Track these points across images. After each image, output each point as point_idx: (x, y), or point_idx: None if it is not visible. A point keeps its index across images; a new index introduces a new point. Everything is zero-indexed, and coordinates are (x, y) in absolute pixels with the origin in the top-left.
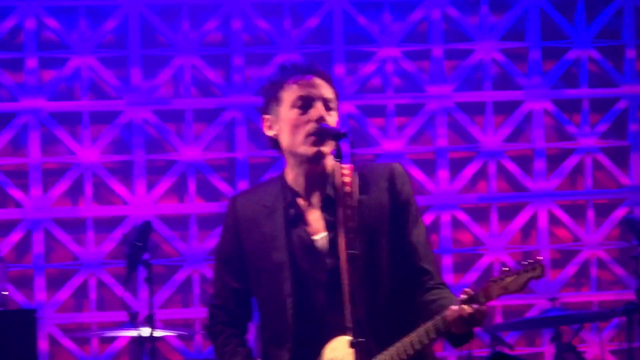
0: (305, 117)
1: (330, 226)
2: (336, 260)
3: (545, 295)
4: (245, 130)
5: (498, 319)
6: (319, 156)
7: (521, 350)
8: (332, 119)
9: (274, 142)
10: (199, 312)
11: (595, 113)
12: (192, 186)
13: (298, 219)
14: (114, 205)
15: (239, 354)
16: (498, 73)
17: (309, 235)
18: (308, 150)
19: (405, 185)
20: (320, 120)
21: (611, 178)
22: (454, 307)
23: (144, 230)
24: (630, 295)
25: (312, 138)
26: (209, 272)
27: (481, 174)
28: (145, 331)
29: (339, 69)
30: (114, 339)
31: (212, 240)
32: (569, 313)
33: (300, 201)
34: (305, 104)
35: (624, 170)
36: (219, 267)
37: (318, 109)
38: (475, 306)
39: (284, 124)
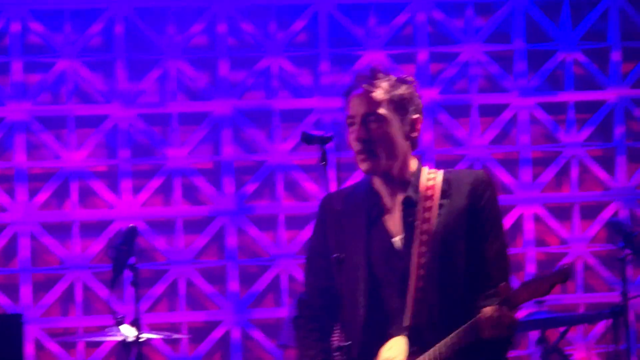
0: (352, 136)
1: (408, 228)
2: (409, 262)
3: None
4: (230, 133)
5: None
6: (374, 171)
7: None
8: (378, 133)
9: None
10: (185, 316)
11: (581, 115)
12: (177, 190)
13: (379, 220)
14: (100, 209)
15: (315, 347)
16: (484, 76)
17: (388, 236)
18: (362, 166)
19: (487, 192)
20: (358, 140)
21: (597, 180)
22: (485, 310)
23: (130, 234)
24: (616, 298)
25: (359, 156)
26: (195, 276)
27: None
28: (131, 335)
29: (325, 73)
30: (100, 343)
31: (198, 244)
32: (556, 315)
33: (383, 202)
34: (351, 122)
35: (610, 172)
36: (310, 262)
37: (355, 130)
38: (504, 309)
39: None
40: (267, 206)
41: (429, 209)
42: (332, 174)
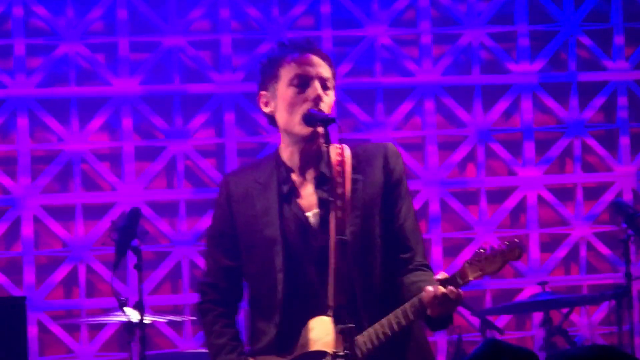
0: (302, 96)
1: (323, 203)
2: (327, 237)
3: (535, 279)
4: (233, 116)
5: (488, 303)
6: (315, 136)
7: (511, 334)
8: (328, 99)
9: (270, 119)
10: (188, 298)
11: (583, 96)
12: (180, 172)
13: (291, 195)
14: (103, 191)
15: (225, 334)
16: (486, 57)
17: (302, 211)
18: (303, 130)
19: (398, 165)
20: (317, 99)
21: (600, 161)
22: (430, 288)
23: (133, 216)
24: (619, 279)
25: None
26: (198, 258)
27: (470, 158)
28: (134, 317)
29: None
30: (103, 325)
31: (201, 226)
32: (559, 297)
33: (295, 178)
34: (302, 82)
35: (613, 153)
36: (211, 244)
37: (315, 88)
38: (450, 288)
39: (281, 102)
40: None
41: (342, 184)
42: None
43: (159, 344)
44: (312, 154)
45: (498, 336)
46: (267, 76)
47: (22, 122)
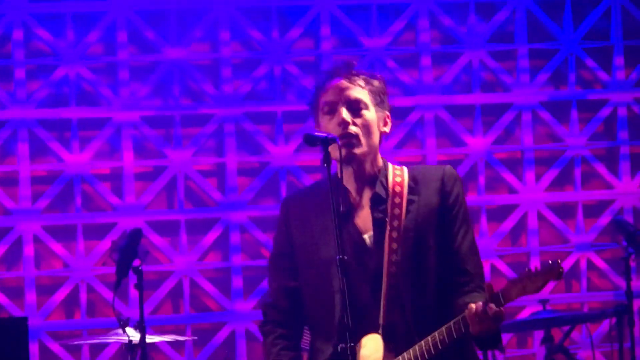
0: (332, 122)
1: (378, 225)
2: (381, 259)
3: (536, 297)
4: (234, 135)
5: None
6: (351, 158)
7: (512, 351)
8: (361, 119)
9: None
10: (189, 318)
11: (584, 114)
12: (181, 191)
13: (348, 216)
14: (104, 211)
15: (283, 356)
16: (486, 75)
17: (359, 232)
18: (335, 154)
19: (456, 188)
20: (342, 124)
21: (601, 179)
22: (472, 305)
23: (134, 236)
24: (620, 297)
25: (341, 141)
26: (199, 278)
27: (470, 177)
28: (135, 337)
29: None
30: (104, 345)
31: (202, 246)
32: (560, 315)
33: (351, 199)
34: (330, 109)
35: (614, 171)
36: (272, 266)
37: (339, 113)
38: (491, 305)
39: (322, 130)
40: (270, 207)
41: (398, 205)
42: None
43: None
44: (366, 175)
45: (499, 355)
46: (312, 106)
47: (23, 142)
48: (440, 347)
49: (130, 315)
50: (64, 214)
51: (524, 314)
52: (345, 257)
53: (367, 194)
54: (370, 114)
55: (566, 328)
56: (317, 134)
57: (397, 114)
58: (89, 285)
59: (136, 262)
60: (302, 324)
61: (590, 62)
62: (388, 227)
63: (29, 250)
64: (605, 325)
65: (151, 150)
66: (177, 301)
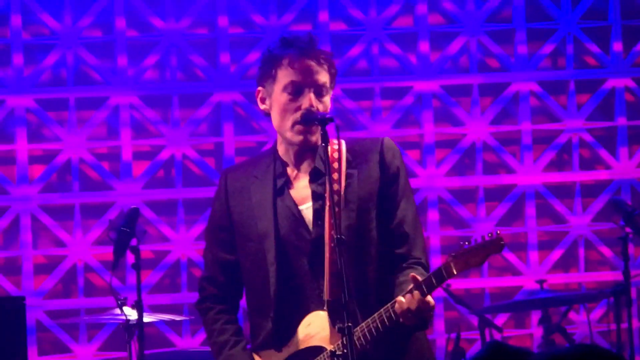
0: (294, 104)
1: (317, 197)
2: (320, 230)
3: (533, 277)
4: (232, 114)
5: (486, 302)
6: (306, 144)
7: (510, 332)
8: (322, 105)
9: (266, 115)
10: (187, 297)
11: (582, 94)
12: (179, 171)
13: (285, 189)
14: (101, 191)
15: (227, 331)
16: (484, 56)
17: (295, 204)
18: (294, 137)
19: (395, 159)
20: (309, 109)
21: (598, 159)
22: (402, 299)
23: (132, 215)
24: (618, 276)
25: (299, 127)
26: (197, 257)
27: (468, 156)
28: (133, 316)
29: None
30: (102, 324)
31: (200, 225)
32: (557, 295)
33: (290, 172)
34: (296, 90)
35: (611, 151)
36: (209, 238)
37: (308, 98)
38: (421, 299)
39: (275, 104)
40: None
41: (337, 180)
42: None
43: (157, 343)
44: (306, 149)
45: (497, 335)
46: (264, 73)
47: (20, 122)
48: (375, 334)
49: (128, 295)
50: (61, 194)
51: (522, 294)
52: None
53: (305, 167)
54: (328, 98)
55: (564, 308)
56: (317, 112)
57: (395, 95)
58: (86, 264)
59: (133, 242)
60: (238, 298)
61: (588, 42)
62: (328, 202)
63: (26, 229)
64: (602, 305)
65: (149, 130)
66: (175, 280)
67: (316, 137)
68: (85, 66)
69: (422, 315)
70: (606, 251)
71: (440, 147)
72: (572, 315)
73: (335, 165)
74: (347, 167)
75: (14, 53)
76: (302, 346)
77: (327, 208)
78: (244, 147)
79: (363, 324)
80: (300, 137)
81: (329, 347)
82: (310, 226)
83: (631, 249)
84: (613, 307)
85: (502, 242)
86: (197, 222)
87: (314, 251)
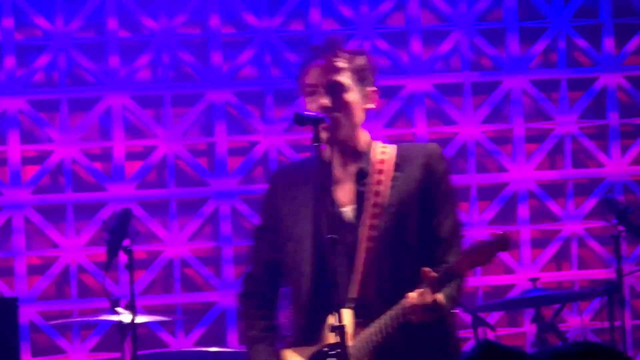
0: (313, 105)
1: (360, 199)
2: (359, 233)
3: (526, 276)
4: (224, 114)
5: (479, 300)
6: (333, 140)
7: (503, 330)
8: (340, 102)
9: None
10: (180, 298)
11: (574, 92)
12: (171, 171)
13: (329, 190)
14: (94, 191)
15: (257, 326)
16: (476, 54)
17: (337, 206)
18: (322, 135)
19: (440, 166)
20: (321, 108)
21: (591, 157)
22: (410, 295)
23: (124, 216)
24: (611, 274)
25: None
26: (190, 257)
27: (460, 155)
28: (126, 317)
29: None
30: (95, 325)
31: (192, 225)
32: (550, 293)
33: (336, 173)
34: (312, 91)
35: (603, 149)
36: (255, 237)
37: (317, 98)
38: (427, 294)
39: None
40: (260, 187)
41: (381, 182)
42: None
43: (150, 344)
44: (351, 152)
45: (490, 333)
46: (298, 85)
47: (13, 123)
48: (386, 331)
49: (121, 295)
50: (54, 194)
51: (515, 293)
52: (333, 235)
53: (351, 169)
54: (351, 95)
55: (557, 306)
56: (306, 113)
57: (387, 93)
58: (79, 265)
59: (126, 242)
60: (277, 297)
61: (580, 40)
62: (369, 202)
63: (19, 230)
64: (595, 303)
65: (141, 130)
66: (168, 281)
67: (344, 133)
68: (78, 67)
69: (429, 313)
70: (599, 249)
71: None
72: (565, 313)
73: (382, 167)
74: (394, 170)
75: (6, 54)
76: (326, 342)
77: (367, 208)
78: (237, 147)
79: (376, 321)
80: (324, 135)
81: (349, 344)
82: (350, 227)
83: (624, 246)
84: (606, 305)
85: (508, 241)
86: (190, 222)
87: (351, 252)
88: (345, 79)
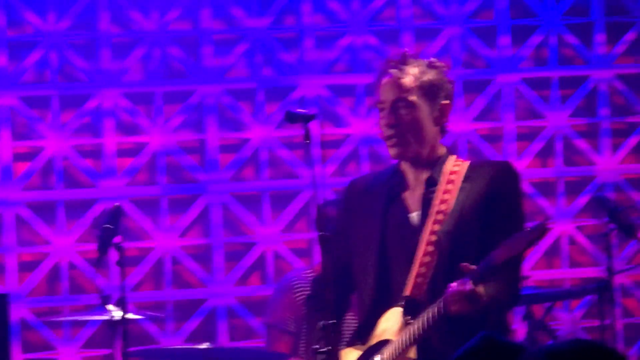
0: (381, 122)
1: (426, 205)
2: (421, 236)
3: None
4: (216, 111)
5: None
6: (402, 157)
7: None
8: (402, 117)
9: None
10: (170, 295)
11: (565, 91)
12: (162, 168)
13: (399, 196)
14: (85, 188)
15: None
16: (467, 51)
17: (405, 211)
18: (391, 152)
19: (509, 182)
20: (385, 127)
21: (582, 155)
22: (452, 285)
23: (115, 213)
24: (601, 273)
25: (389, 142)
26: (181, 254)
27: (451, 153)
28: (117, 314)
29: (310, 49)
30: (86, 322)
31: (183, 222)
32: (541, 291)
33: (407, 180)
34: (381, 107)
35: (595, 147)
36: (327, 243)
37: (382, 116)
38: (468, 285)
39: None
40: (251, 184)
41: (449, 191)
42: (316, 151)
43: (141, 340)
44: (424, 163)
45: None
46: (372, 99)
47: (4, 120)
48: (427, 326)
49: (112, 292)
50: (45, 191)
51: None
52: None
53: (423, 177)
54: (418, 111)
55: (547, 304)
56: (297, 111)
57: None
58: (70, 262)
59: (117, 239)
60: (346, 300)
61: (571, 39)
62: (434, 209)
63: (10, 227)
64: (586, 301)
65: (132, 127)
66: (158, 278)
67: (410, 150)
68: (69, 64)
69: (468, 303)
70: (590, 248)
71: None
72: (555, 311)
73: (452, 178)
74: (463, 181)
75: None
76: (377, 339)
77: (431, 213)
78: (228, 144)
79: (422, 315)
80: (392, 151)
81: (394, 339)
82: (415, 231)
83: (615, 245)
84: (597, 303)
85: (545, 229)
86: (181, 218)
87: (411, 255)
88: (412, 96)
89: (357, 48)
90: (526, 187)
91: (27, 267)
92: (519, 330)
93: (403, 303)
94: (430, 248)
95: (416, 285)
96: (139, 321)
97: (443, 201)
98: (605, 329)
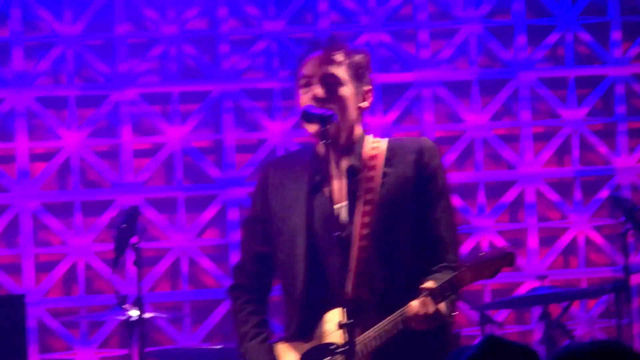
0: (306, 97)
1: (352, 196)
2: (352, 229)
3: (534, 273)
4: (232, 112)
5: (487, 298)
6: (323, 135)
7: (510, 328)
8: (335, 95)
9: None
10: (187, 295)
11: (581, 90)
12: (179, 168)
13: (322, 186)
14: (102, 188)
15: (250, 321)
16: (484, 52)
17: (330, 203)
18: (307, 128)
19: (433, 160)
20: (315, 99)
21: (598, 155)
22: (412, 304)
23: (132, 213)
24: (618, 273)
25: (304, 125)
26: (197, 254)
27: (468, 153)
28: (134, 314)
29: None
30: (103, 322)
31: (200, 222)
32: (558, 291)
33: (328, 169)
34: (307, 82)
35: (611, 147)
36: (246, 229)
37: (312, 89)
38: (429, 303)
39: (300, 102)
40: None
41: (372, 178)
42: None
43: (158, 340)
44: (343, 148)
45: (497, 331)
46: (294, 77)
47: (21, 120)
48: (386, 337)
49: (129, 292)
50: (62, 191)
51: (522, 290)
52: (331, 232)
53: (343, 165)
54: (346, 89)
55: (564, 304)
56: (314, 111)
57: (395, 90)
58: (87, 262)
59: (134, 239)
60: (268, 289)
61: (588, 38)
62: (360, 200)
63: (27, 227)
64: (603, 301)
65: (149, 127)
66: (175, 278)
67: (335, 127)
68: (85, 64)
69: (431, 322)
70: (607, 247)
71: (441, 143)
72: (572, 311)
73: (373, 163)
74: (385, 166)
75: (14, 51)
76: (319, 342)
77: (359, 206)
78: (245, 144)
79: (376, 325)
80: (312, 129)
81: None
82: (343, 224)
83: (631, 244)
84: (613, 302)
85: (513, 257)
86: (197, 218)
87: (344, 249)
88: (340, 72)
89: (373, 47)
90: (542, 187)
91: (44, 268)
92: (536, 329)
93: (345, 305)
94: (364, 242)
95: (357, 285)
96: (155, 321)
97: (368, 190)
98: (622, 329)
